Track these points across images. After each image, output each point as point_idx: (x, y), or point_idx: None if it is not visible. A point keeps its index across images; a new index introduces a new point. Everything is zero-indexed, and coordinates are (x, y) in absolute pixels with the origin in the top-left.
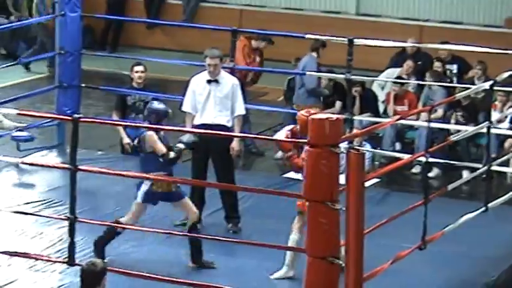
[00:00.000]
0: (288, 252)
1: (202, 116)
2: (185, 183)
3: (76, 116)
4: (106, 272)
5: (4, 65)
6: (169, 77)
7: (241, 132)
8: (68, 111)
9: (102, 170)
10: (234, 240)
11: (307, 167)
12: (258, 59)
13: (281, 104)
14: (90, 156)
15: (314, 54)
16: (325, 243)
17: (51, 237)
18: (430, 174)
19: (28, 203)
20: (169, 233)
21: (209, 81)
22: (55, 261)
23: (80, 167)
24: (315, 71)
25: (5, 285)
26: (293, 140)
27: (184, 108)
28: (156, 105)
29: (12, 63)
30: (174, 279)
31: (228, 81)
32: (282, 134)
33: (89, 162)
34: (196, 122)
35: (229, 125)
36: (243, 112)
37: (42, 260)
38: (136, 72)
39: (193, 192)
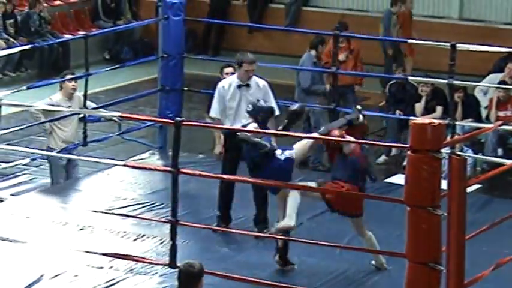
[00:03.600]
0: (289, 204)
1: (236, 120)
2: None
3: (178, 119)
4: (203, 274)
5: (108, 68)
6: (273, 81)
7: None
8: (170, 115)
9: (203, 173)
10: (334, 244)
11: (408, 172)
12: None
13: (382, 108)
14: (192, 159)
15: (312, 52)
16: (426, 248)
17: (152, 240)
18: None
19: (130, 205)
20: (271, 237)
21: (239, 86)
22: (156, 264)
23: (182, 170)
24: (310, 68)
25: (106, 287)
26: (398, 145)
27: (212, 114)
28: (263, 103)
29: (116, 66)
30: (274, 284)
31: (259, 84)
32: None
33: (191, 166)
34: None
35: None
36: (277, 113)
37: (143, 262)
38: (227, 74)
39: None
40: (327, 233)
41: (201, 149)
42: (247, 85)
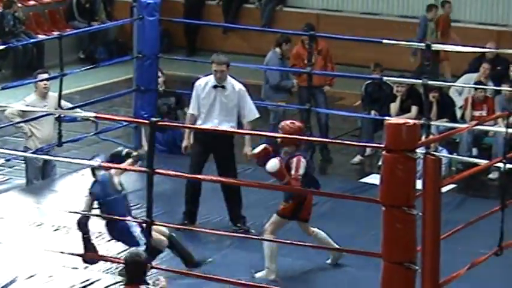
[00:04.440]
0: (266, 254)
1: (207, 121)
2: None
3: (153, 119)
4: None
5: (83, 68)
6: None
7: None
8: (145, 115)
9: (178, 174)
10: (309, 244)
11: (383, 172)
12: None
13: (357, 108)
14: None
15: (277, 49)
16: (401, 248)
17: None
18: None
19: None
20: (246, 237)
21: (215, 87)
22: None
23: (157, 170)
24: (277, 67)
25: (82, 287)
26: (373, 145)
27: (191, 111)
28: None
29: (91, 66)
30: (250, 284)
31: (235, 88)
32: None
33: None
34: (200, 126)
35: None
36: (257, 115)
37: (118, 263)
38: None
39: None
40: (302, 233)
41: None
42: (223, 87)
